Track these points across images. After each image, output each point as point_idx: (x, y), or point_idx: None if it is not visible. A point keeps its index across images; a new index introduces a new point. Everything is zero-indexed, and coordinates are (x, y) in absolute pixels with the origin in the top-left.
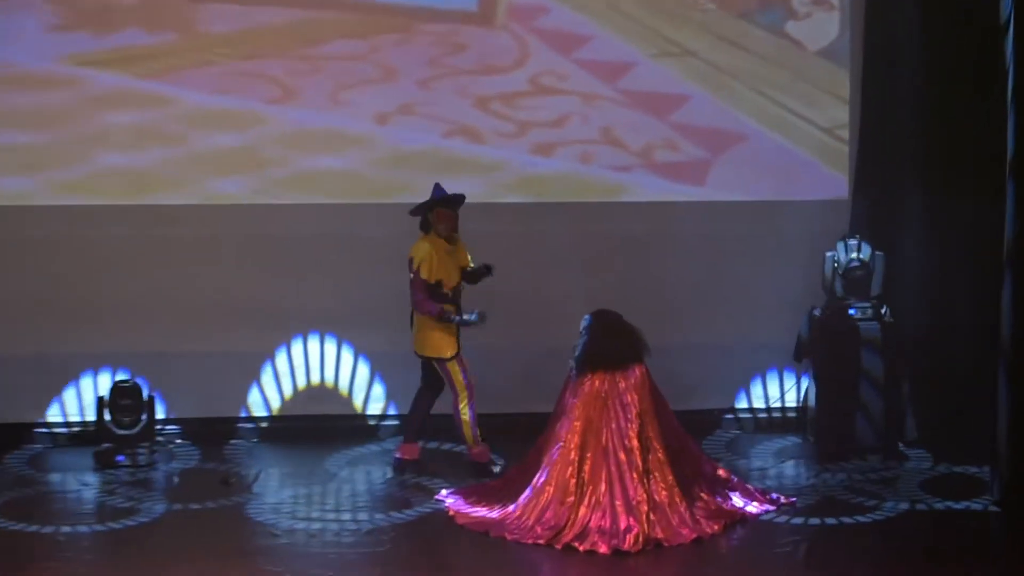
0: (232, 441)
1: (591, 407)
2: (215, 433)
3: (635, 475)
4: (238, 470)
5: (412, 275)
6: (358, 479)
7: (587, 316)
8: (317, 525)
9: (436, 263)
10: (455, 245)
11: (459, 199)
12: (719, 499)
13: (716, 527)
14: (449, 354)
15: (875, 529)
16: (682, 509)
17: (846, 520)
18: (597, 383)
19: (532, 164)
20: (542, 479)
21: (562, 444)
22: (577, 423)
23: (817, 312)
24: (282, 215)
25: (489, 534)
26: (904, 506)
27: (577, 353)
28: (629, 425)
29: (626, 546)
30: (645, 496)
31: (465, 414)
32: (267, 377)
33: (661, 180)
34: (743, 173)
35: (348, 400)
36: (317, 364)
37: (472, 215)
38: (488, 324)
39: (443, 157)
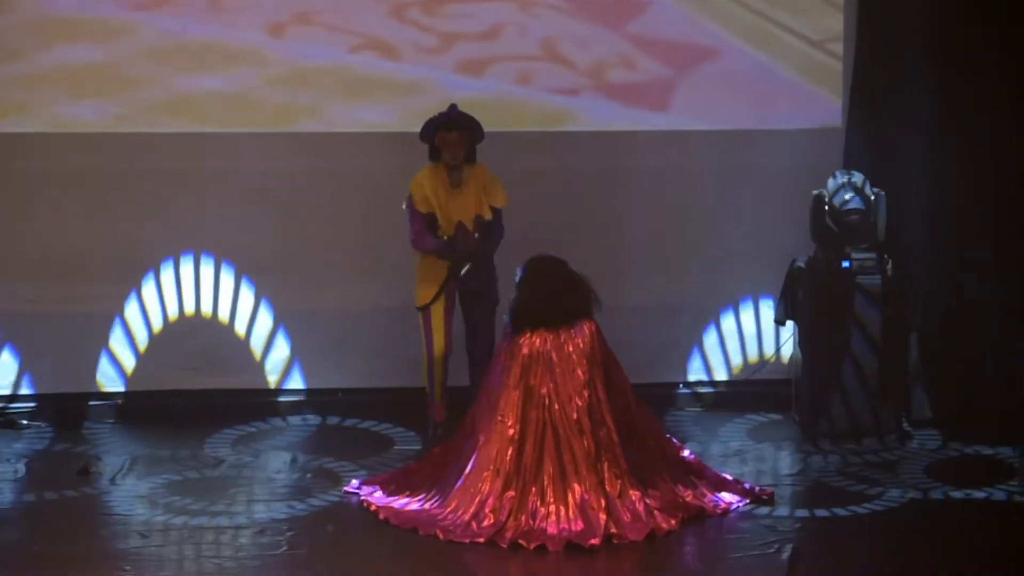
0: (95, 420)
1: (531, 372)
2: (74, 410)
3: (584, 463)
4: (101, 456)
5: (406, 206)
6: (248, 465)
7: (523, 264)
8: (196, 522)
9: (431, 195)
10: (460, 184)
11: (461, 120)
12: (680, 487)
13: (673, 522)
14: (420, 302)
15: (872, 522)
16: (635, 499)
17: (839, 511)
18: (538, 342)
19: (458, 85)
20: (477, 462)
21: (499, 418)
22: (515, 392)
23: (803, 264)
24: (153, 146)
25: (418, 532)
26: (907, 495)
27: (513, 306)
28: (576, 396)
29: (583, 543)
30: (597, 489)
31: (424, 374)
32: (139, 343)
33: (615, 105)
34: (714, 96)
35: (241, 370)
36: (203, 327)
37: (384, 147)
38: (399, 282)
39: (350, 76)
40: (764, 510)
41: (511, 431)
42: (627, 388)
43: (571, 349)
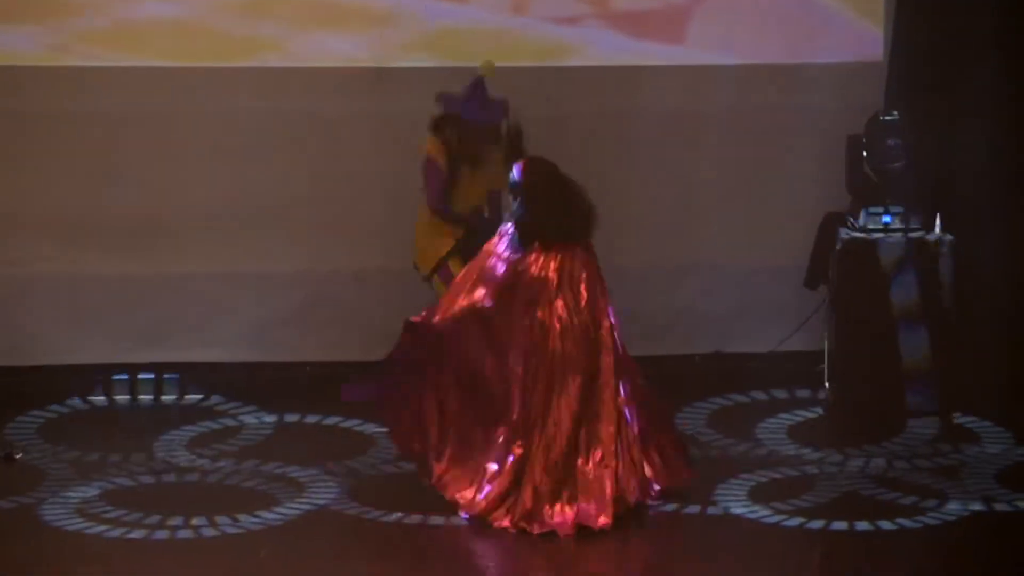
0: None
1: (541, 299)
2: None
3: (601, 411)
4: (25, 442)
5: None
6: (200, 465)
7: (516, 167)
8: (140, 535)
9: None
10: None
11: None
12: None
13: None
14: (429, 267)
15: (925, 539)
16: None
17: (883, 525)
18: (552, 264)
19: (440, 13)
20: (479, 408)
21: (509, 360)
22: (523, 322)
23: (838, 222)
24: (90, 83)
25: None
26: (974, 507)
27: (520, 216)
28: (592, 328)
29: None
30: (613, 442)
31: None
32: (78, 310)
33: (621, 36)
34: (736, 26)
35: (194, 342)
36: (151, 293)
37: (359, 85)
38: (376, 242)
39: (317, 4)
40: (794, 521)
41: (519, 369)
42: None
43: (584, 274)
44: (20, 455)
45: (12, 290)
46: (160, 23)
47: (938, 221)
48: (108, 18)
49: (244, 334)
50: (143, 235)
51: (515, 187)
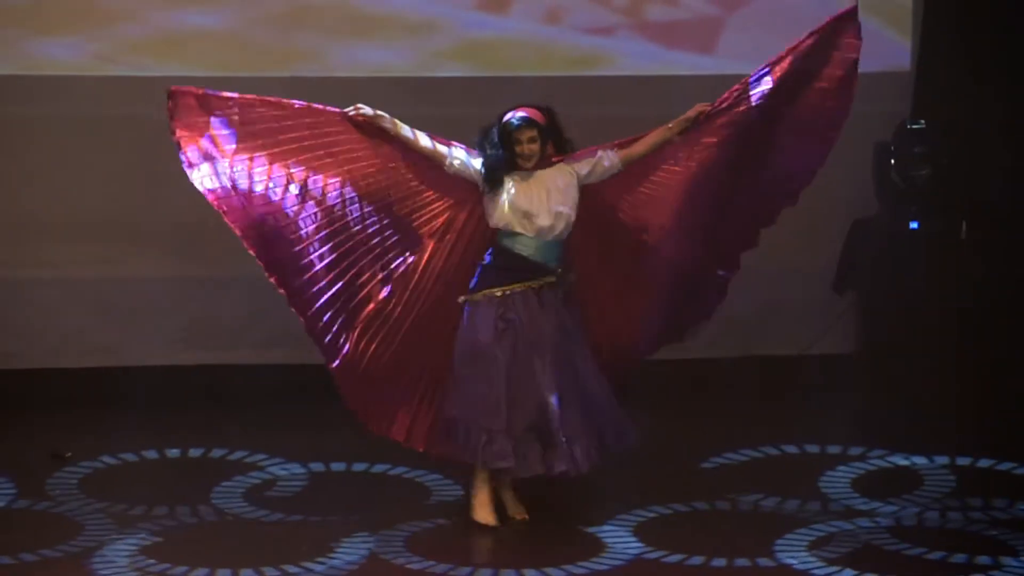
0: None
1: None
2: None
3: None
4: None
5: None
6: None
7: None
8: None
9: None
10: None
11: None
12: None
13: None
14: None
15: None
16: None
17: None
18: None
19: (478, 24)
20: None
21: None
22: None
23: (867, 229)
24: (131, 91)
25: None
26: None
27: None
28: None
29: None
30: None
31: None
32: (115, 311)
33: (654, 46)
34: (766, 36)
35: (246, 343)
36: (197, 292)
37: (396, 94)
38: None
39: (356, 14)
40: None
41: None
42: None
43: None
44: (70, 454)
45: (57, 293)
46: (201, 34)
47: (964, 228)
48: (151, 29)
49: (285, 336)
50: (187, 238)
51: None
